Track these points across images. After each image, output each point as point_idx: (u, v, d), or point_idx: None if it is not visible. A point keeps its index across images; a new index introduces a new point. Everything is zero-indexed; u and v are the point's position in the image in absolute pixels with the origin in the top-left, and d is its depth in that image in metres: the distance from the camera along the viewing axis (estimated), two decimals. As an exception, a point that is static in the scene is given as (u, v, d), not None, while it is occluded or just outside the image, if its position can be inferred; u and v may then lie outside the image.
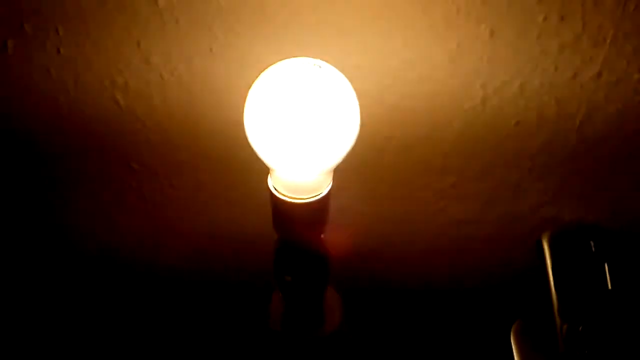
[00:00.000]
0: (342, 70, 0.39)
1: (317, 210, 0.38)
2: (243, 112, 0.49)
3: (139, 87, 0.50)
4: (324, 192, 0.38)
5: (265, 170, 0.39)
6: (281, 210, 0.38)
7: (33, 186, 0.58)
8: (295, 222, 0.39)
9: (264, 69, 0.39)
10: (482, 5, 0.43)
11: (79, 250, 0.64)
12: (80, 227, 0.62)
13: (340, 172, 0.51)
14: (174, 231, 0.61)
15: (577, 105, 0.48)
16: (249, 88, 0.48)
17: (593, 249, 0.54)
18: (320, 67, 0.34)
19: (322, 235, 0.41)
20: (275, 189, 0.38)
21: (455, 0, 0.43)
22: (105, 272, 0.65)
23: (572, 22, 0.44)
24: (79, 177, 0.57)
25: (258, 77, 0.36)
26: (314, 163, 0.35)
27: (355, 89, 0.41)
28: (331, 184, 0.38)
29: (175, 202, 0.58)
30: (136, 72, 0.49)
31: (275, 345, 0.48)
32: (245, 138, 0.38)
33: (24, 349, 0.60)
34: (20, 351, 0.59)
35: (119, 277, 0.65)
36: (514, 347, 0.56)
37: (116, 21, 0.46)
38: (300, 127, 0.34)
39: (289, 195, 0.37)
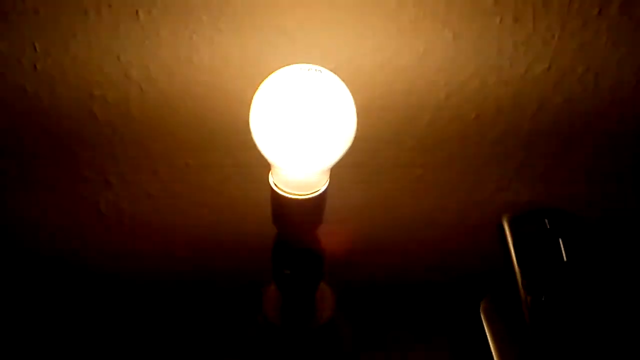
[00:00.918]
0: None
1: (315, 206, 0.41)
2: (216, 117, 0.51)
3: (118, 99, 0.51)
4: (322, 189, 0.40)
5: (267, 169, 0.41)
6: (281, 205, 0.41)
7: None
8: (294, 216, 0.41)
9: (246, 76, 0.41)
10: (446, 10, 0.47)
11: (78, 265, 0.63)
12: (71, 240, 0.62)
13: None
14: (156, 242, 0.62)
15: (529, 98, 0.53)
16: (230, 94, 0.50)
17: (548, 226, 0.59)
18: (320, 72, 0.37)
19: (318, 231, 0.44)
20: (276, 185, 0.40)
21: (421, 7, 0.47)
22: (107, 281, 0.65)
23: (524, 23, 0.48)
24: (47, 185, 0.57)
25: (263, 82, 0.38)
26: (313, 162, 0.38)
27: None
28: (328, 181, 0.41)
29: (153, 210, 0.59)
30: (115, 85, 0.50)
31: (270, 338, 0.50)
32: (240, 141, 0.41)
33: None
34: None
35: (118, 286, 0.65)
36: (484, 320, 0.61)
37: (97, 36, 0.47)
38: (301, 128, 0.36)
39: (289, 191, 0.40)
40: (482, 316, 0.61)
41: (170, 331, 0.62)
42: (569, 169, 0.59)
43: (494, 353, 0.60)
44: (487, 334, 0.60)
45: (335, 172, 0.56)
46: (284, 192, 0.40)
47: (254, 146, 0.40)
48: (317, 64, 0.46)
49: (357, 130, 0.53)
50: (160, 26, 0.47)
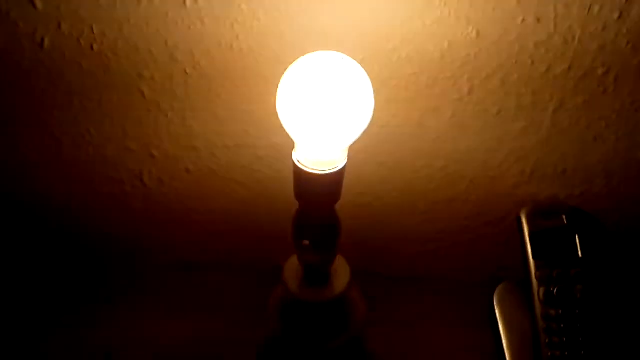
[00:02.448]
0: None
1: (333, 182, 0.45)
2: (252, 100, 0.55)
3: (163, 80, 0.56)
4: (341, 165, 0.44)
5: (291, 145, 0.45)
6: (302, 179, 0.44)
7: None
8: (313, 190, 0.45)
9: (282, 63, 0.45)
10: (470, 9, 0.50)
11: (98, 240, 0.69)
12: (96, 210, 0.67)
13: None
14: (191, 210, 0.67)
15: (550, 96, 0.56)
16: (266, 79, 0.54)
17: (565, 222, 0.61)
18: (342, 59, 0.41)
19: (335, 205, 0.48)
20: (299, 162, 0.44)
21: (447, 4, 0.50)
22: (121, 258, 0.71)
23: (546, 23, 0.51)
24: (96, 157, 0.63)
25: (290, 67, 0.42)
26: (334, 141, 0.42)
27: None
28: (346, 159, 0.45)
29: (191, 184, 0.64)
30: (162, 66, 0.55)
31: (290, 307, 0.54)
32: (273, 124, 0.45)
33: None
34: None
35: (135, 262, 0.70)
36: (496, 308, 0.63)
37: (147, 21, 0.52)
38: (321, 109, 0.40)
39: (310, 167, 0.44)
40: (495, 303, 0.64)
41: (198, 297, 0.66)
42: (588, 168, 0.61)
43: (504, 341, 0.62)
44: (499, 322, 0.63)
45: (361, 159, 0.59)
46: (306, 167, 0.44)
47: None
48: (347, 54, 0.50)
49: (382, 118, 0.57)
50: (205, 15, 0.51)
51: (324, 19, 0.51)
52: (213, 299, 0.66)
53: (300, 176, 0.44)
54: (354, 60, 0.42)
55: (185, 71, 0.55)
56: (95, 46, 0.54)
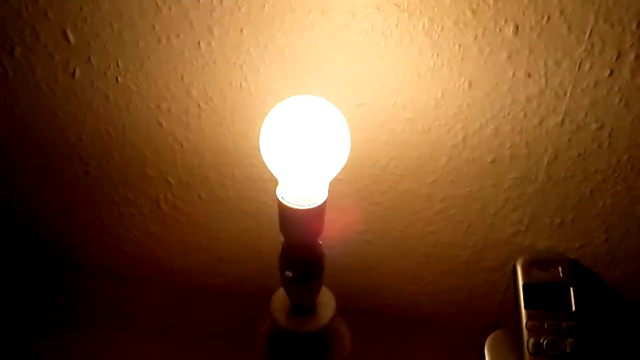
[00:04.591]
0: (346, 109, 0.49)
1: (314, 216, 0.47)
2: (259, 135, 0.59)
3: (179, 113, 0.61)
4: (320, 201, 0.47)
5: (275, 183, 0.49)
6: (286, 214, 0.47)
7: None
8: (298, 224, 0.48)
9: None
10: (462, 61, 0.52)
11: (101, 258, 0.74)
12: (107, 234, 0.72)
13: (342, 194, 0.60)
14: (202, 235, 0.70)
15: (544, 148, 0.57)
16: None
17: (561, 274, 0.62)
18: (319, 102, 0.44)
19: (319, 239, 0.50)
20: (282, 197, 0.47)
21: (440, 56, 0.53)
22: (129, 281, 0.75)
23: (537, 79, 0.53)
24: (118, 180, 0.68)
25: (272, 109, 0.46)
26: (312, 176, 0.45)
27: (356, 124, 0.51)
28: (327, 195, 0.47)
29: (202, 210, 0.68)
30: (178, 100, 0.60)
31: (277, 338, 0.56)
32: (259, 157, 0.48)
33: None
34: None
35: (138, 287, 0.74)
36: (487, 355, 0.63)
37: (166, 59, 0.57)
38: (304, 148, 0.43)
39: (292, 202, 0.47)
40: (485, 350, 0.64)
41: (199, 321, 0.70)
42: (585, 221, 0.61)
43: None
44: (488, 369, 0.63)
45: (356, 198, 0.62)
46: (288, 202, 0.47)
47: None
48: (346, 100, 0.54)
49: (381, 160, 0.59)
50: (217, 56, 0.56)
51: (325, 66, 0.55)
52: (213, 325, 0.69)
53: (283, 211, 0.47)
54: (331, 104, 0.45)
55: (199, 105, 0.60)
56: (120, 79, 0.59)
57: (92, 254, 0.75)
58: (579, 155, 0.57)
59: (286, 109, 0.45)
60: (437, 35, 0.51)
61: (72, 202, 0.70)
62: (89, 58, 0.58)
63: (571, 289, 0.61)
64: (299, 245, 0.50)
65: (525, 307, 0.61)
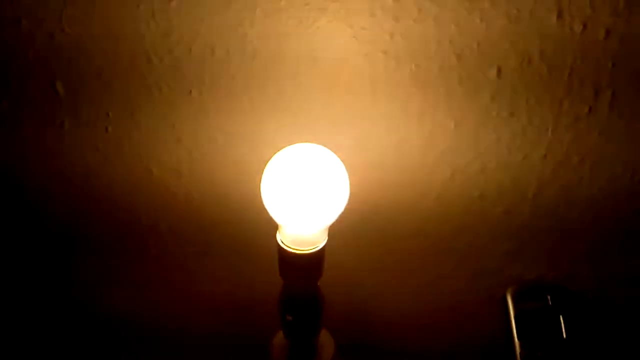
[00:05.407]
0: (339, 150, 0.50)
1: (314, 260, 0.48)
2: (254, 181, 0.60)
3: (170, 159, 0.61)
4: (321, 245, 0.48)
5: (275, 228, 0.49)
6: (286, 259, 0.48)
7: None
8: (297, 269, 0.49)
9: (274, 149, 0.50)
10: (447, 103, 0.54)
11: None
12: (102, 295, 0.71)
13: (337, 234, 0.61)
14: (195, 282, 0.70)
15: (528, 182, 0.59)
16: (261, 162, 0.59)
17: (550, 303, 0.63)
18: (318, 149, 0.46)
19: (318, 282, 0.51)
20: (282, 242, 0.48)
21: (426, 99, 0.54)
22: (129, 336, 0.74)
23: (519, 117, 0.55)
24: (103, 240, 0.67)
25: (273, 157, 0.47)
26: (313, 222, 0.46)
27: (348, 165, 0.52)
28: (326, 239, 0.48)
29: (195, 257, 0.68)
30: (169, 147, 0.60)
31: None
32: (258, 203, 0.49)
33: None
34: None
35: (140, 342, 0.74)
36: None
37: (155, 107, 0.58)
38: (303, 194, 0.44)
39: (293, 247, 0.47)
40: (481, 383, 0.65)
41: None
42: (571, 250, 0.63)
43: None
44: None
45: (350, 236, 0.63)
46: (288, 247, 0.48)
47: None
48: (336, 143, 0.55)
49: (370, 200, 0.61)
50: (208, 103, 0.57)
51: (315, 111, 0.56)
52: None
53: (283, 255, 0.48)
54: (330, 151, 0.47)
55: (191, 154, 0.60)
56: (110, 128, 0.59)
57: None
58: (561, 187, 0.59)
59: (287, 157, 0.46)
60: (423, 80, 0.53)
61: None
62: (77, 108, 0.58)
63: (561, 316, 0.62)
64: (298, 288, 0.51)
65: (517, 337, 0.62)
